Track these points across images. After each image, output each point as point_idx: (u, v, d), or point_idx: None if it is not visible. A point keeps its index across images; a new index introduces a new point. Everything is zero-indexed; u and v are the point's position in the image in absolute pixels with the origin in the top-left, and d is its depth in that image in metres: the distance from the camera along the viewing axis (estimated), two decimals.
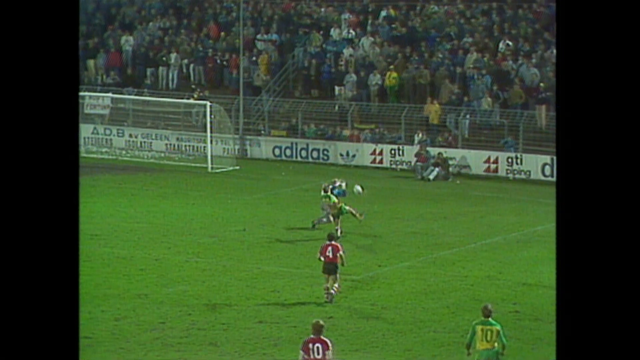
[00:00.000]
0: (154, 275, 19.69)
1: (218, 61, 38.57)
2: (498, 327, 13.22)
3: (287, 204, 27.41)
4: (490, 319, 13.29)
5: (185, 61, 39.07)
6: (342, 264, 18.05)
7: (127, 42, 40.09)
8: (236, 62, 37.39)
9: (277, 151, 35.04)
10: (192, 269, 20.23)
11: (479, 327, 13.20)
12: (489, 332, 13.12)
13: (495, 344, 13.15)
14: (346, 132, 34.69)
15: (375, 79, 35.67)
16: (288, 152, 34.75)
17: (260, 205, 27.14)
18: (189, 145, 35.53)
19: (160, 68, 39.17)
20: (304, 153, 34.60)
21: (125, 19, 41.53)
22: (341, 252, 18.03)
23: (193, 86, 37.54)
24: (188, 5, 41.35)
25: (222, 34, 39.37)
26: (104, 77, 39.14)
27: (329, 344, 12.17)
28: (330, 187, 24.07)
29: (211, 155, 33.10)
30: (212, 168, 32.86)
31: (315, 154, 34.51)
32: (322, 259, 17.99)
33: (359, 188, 24.77)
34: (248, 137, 35.54)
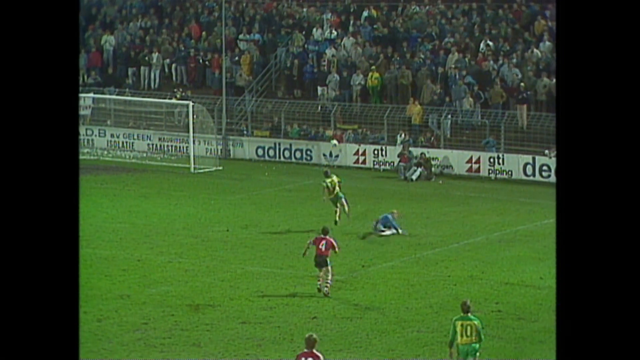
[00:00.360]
0: (137, 276, 19.66)
1: (200, 61, 38.53)
2: (477, 322, 13.50)
3: (271, 204, 27.44)
4: (469, 314, 13.55)
5: (167, 61, 39.02)
6: (336, 253, 18.49)
7: (108, 41, 39.99)
8: (218, 62, 37.38)
9: (260, 151, 35.03)
10: (174, 270, 20.22)
11: (458, 323, 13.48)
12: (468, 327, 13.40)
13: (474, 339, 13.45)
14: (329, 133, 34.76)
15: (357, 79, 35.75)
16: (271, 152, 34.75)
17: (243, 206, 27.15)
18: (171, 146, 35.46)
19: (142, 68, 39.09)
20: (287, 153, 34.61)
21: (106, 19, 41.40)
22: (337, 249, 18.47)
23: (175, 89, 37.50)
24: (169, 4, 41.28)
25: (204, 33, 39.35)
26: (85, 77, 38.99)
27: (321, 358, 12.23)
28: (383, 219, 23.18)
29: (194, 156, 33.08)
30: (194, 168, 32.83)
31: (298, 154, 34.54)
32: (313, 250, 18.28)
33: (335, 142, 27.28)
34: (231, 137, 35.50)
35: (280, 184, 30.43)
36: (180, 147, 35.14)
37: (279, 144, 34.85)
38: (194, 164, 32.90)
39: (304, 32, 38.28)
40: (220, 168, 33.09)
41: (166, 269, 20.30)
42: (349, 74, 36.03)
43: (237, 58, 37.85)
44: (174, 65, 38.80)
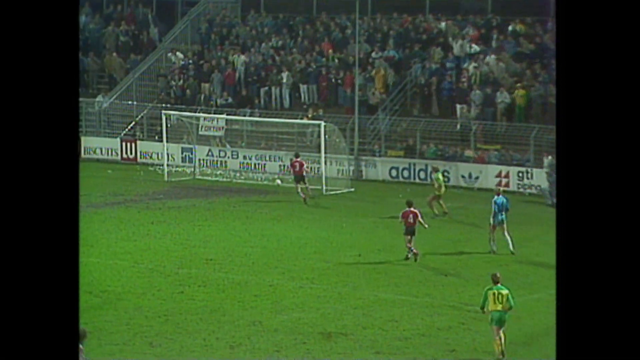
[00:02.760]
0: (268, 302, 20.02)
1: (332, 80, 39.03)
2: (507, 291, 16.26)
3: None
4: (499, 284, 16.33)
5: (298, 79, 39.67)
6: (424, 227, 23.21)
7: (240, 62, 41.07)
8: (351, 80, 37.76)
9: (393, 172, 35.19)
10: (306, 296, 20.48)
11: (490, 292, 16.27)
12: (499, 296, 16.16)
13: (505, 307, 16.20)
14: (469, 153, 34.48)
15: (501, 96, 35.31)
16: (405, 173, 34.86)
17: (376, 229, 27.24)
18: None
19: (273, 87, 39.94)
20: (422, 174, 34.58)
21: (239, 39, 42.57)
22: (419, 218, 22.81)
23: (307, 107, 38.11)
24: (301, 24, 42.05)
25: (331, 52, 39.64)
26: (218, 100, 40.15)
27: None
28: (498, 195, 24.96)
29: (325, 177, 33.55)
30: (326, 190, 33.24)
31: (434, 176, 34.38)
32: (404, 223, 22.85)
33: (279, 182, 32.07)
34: (363, 157, 35.78)
35: (416, 206, 30.28)
36: (311, 168, 35.66)
37: (414, 165, 34.86)
38: (326, 185, 33.34)
39: (441, 47, 38.20)
40: (352, 189, 33.41)
41: (298, 294, 20.59)
42: (493, 90, 35.65)
43: (370, 75, 38.13)
44: (305, 85, 39.45)
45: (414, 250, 22.96)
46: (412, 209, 23.12)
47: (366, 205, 31.27)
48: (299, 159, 31.48)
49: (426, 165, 34.48)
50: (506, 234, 24.08)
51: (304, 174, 31.20)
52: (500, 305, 16.13)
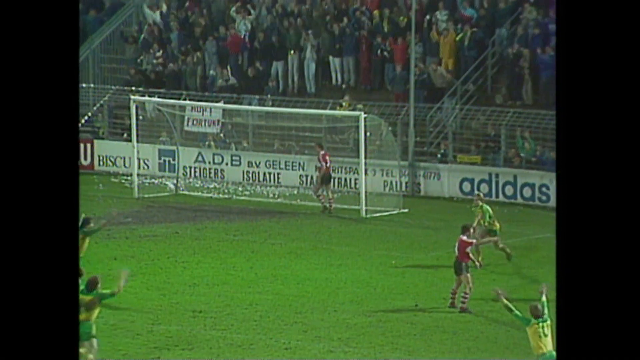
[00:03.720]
0: None
1: (377, 51, 39.00)
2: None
3: (485, 267, 27.44)
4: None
5: (327, 50, 39.61)
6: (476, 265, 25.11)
7: (244, 25, 41.10)
8: (403, 52, 37.80)
9: (466, 186, 35.30)
10: None
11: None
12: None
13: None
14: None
15: None
16: (484, 187, 34.87)
17: (441, 269, 27.33)
18: (334, 177, 36.06)
19: (290, 61, 40.08)
20: (509, 190, 34.66)
21: None
22: (469, 250, 23.89)
23: (344, 86, 38.11)
24: None
25: (377, 12, 39.64)
26: (218, 80, 40.04)
27: None
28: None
29: (366, 192, 33.62)
30: (367, 211, 33.34)
31: (527, 193, 34.43)
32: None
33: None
34: (422, 164, 35.92)
35: (502, 235, 30.34)
36: (346, 180, 35.77)
37: (497, 176, 34.94)
38: (367, 204, 33.40)
39: (537, 4, 38.08)
40: (406, 210, 33.46)
41: None
42: None
43: (432, 44, 38.15)
44: (336, 59, 39.46)
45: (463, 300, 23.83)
46: (465, 237, 24.12)
47: (426, 233, 31.40)
48: (324, 151, 33.56)
49: (515, 177, 34.53)
50: None
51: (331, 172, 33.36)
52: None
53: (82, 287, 19.00)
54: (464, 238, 23.95)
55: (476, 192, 29.03)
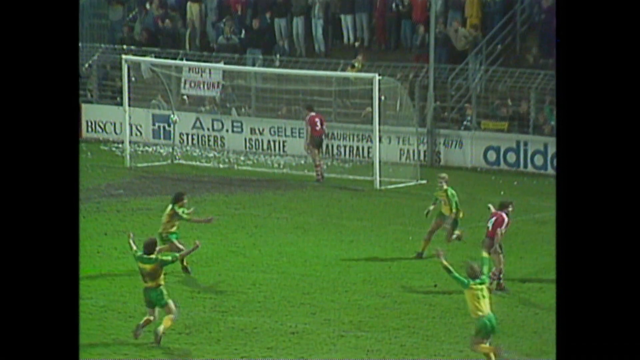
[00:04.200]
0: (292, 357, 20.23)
1: (393, 6, 38.97)
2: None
3: (511, 245, 27.32)
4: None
5: (337, 6, 39.83)
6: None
7: None
8: (423, 7, 37.80)
9: (491, 155, 35.36)
10: (350, 350, 20.67)
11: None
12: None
13: None
14: None
15: None
16: (511, 157, 34.95)
17: (461, 246, 27.26)
18: (344, 146, 36.15)
19: (296, 19, 40.04)
20: (539, 159, 34.67)
21: None
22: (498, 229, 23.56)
23: (356, 44, 38.00)
24: None
25: None
26: (219, 37, 40.06)
27: None
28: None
29: (380, 162, 33.62)
30: (381, 183, 33.40)
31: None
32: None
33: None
34: (443, 131, 35.95)
35: (527, 210, 30.33)
36: (358, 148, 35.74)
37: (525, 144, 34.85)
38: (381, 175, 33.37)
39: None
40: (424, 182, 33.50)
41: (336, 347, 20.76)
42: None
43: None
44: (347, 17, 39.37)
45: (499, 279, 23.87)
46: (504, 214, 23.87)
47: None
48: (314, 113, 34.04)
49: (545, 145, 34.42)
50: None
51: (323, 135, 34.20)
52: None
53: (139, 252, 20.75)
54: (504, 216, 23.74)
55: (441, 174, 27.24)
